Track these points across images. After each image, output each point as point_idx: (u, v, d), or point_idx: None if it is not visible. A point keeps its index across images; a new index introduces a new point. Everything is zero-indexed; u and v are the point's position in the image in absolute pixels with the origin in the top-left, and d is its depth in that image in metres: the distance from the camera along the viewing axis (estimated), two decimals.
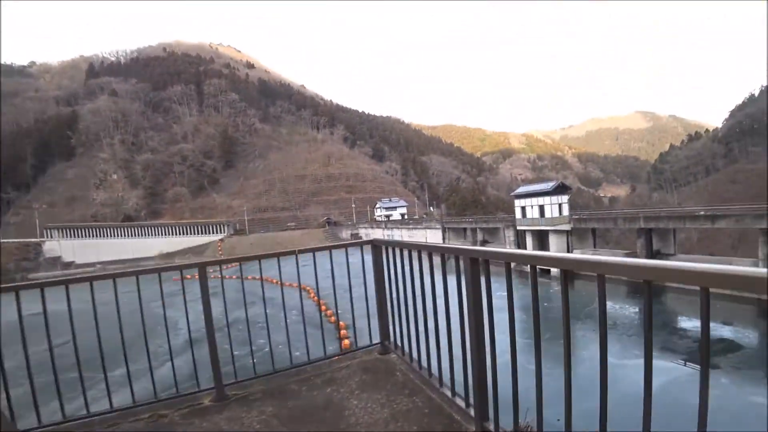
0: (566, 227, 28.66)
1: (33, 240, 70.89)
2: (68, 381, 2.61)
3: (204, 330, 2.84)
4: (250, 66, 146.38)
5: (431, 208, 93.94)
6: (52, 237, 71.45)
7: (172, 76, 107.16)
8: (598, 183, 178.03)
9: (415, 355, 2.69)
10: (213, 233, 74.75)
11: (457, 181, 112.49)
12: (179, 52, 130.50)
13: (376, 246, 3.20)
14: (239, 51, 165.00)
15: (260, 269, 3.08)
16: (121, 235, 72.11)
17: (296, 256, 3.37)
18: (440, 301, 2.21)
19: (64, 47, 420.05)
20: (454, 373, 2.20)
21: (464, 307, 1.94)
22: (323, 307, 17.00)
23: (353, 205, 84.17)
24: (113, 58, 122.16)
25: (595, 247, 28.95)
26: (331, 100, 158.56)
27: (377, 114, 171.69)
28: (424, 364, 2.54)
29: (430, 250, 2.38)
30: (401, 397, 2.52)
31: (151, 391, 2.80)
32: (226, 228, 76.05)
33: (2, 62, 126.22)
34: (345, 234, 74.92)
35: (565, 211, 29.09)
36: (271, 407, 2.58)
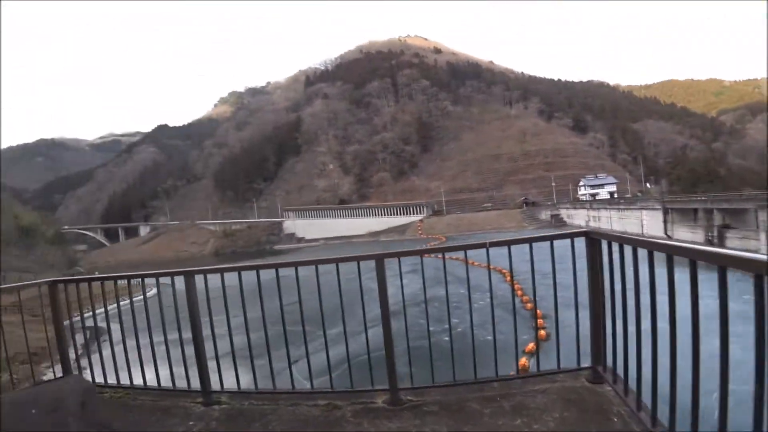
0: None
1: (276, 220, 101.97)
2: (259, 354, 3.20)
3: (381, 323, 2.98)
4: (438, 51, 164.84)
5: (648, 185, 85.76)
6: (288, 217, 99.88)
7: (370, 73, 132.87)
8: None
9: (644, 395, 2.28)
10: (413, 214, 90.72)
11: (683, 150, 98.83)
12: (373, 51, 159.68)
13: (592, 239, 2.83)
14: (426, 39, 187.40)
15: (465, 257, 3.20)
16: (338, 216, 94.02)
17: (487, 249, 3.08)
18: (683, 324, 1.83)
19: (288, 66, 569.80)
20: None
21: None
22: (525, 301, 17.84)
23: (553, 184, 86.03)
24: (322, 68, 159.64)
25: None
26: (522, 73, 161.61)
27: (576, 80, 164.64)
28: (659, 412, 2.12)
29: (684, 254, 1.82)
30: None
31: (327, 380, 3.13)
32: (425, 209, 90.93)
33: (248, 86, 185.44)
34: (544, 215, 77.13)
35: None
36: (446, 427, 2.56)
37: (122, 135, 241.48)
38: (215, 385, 3.41)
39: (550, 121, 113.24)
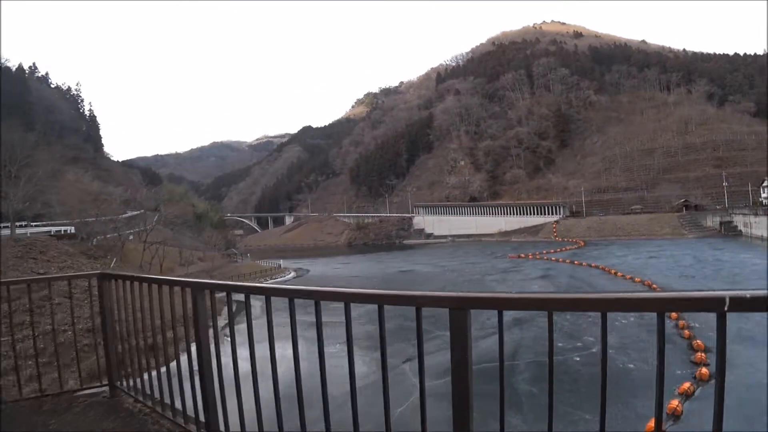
0: None
1: (407, 215, 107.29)
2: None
3: None
4: (578, 35, 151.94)
5: None
6: (418, 213, 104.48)
7: (503, 65, 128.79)
8: None
9: None
10: (548, 214, 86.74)
11: None
12: (506, 42, 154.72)
13: None
14: (563, 23, 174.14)
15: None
16: (468, 213, 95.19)
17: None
18: None
19: (420, 64, 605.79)
20: None
21: None
22: (681, 326, 17.73)
23: (724, 184, 74.12)
24: (453, 64, 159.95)
25: None
26: (683, 50, 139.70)
27: (758, 52, 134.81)
28: None
29: None
30: None
31: None
32: (561, 209, 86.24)
33: (382, 87, 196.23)
34: (710, 221, 66.76)
35: None
36: None
37: (274, 136, 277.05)
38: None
39: (723, 107, 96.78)
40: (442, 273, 47.81)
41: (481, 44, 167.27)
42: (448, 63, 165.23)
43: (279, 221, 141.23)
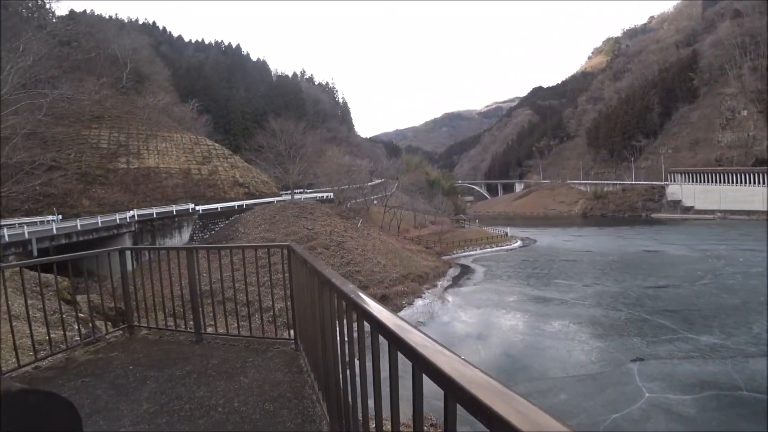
0: None
1: (658, 183, 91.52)
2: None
3: None
4: None
5: None
6: (674, 181, 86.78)
7: None
8: None
9: None
10: None
11: None
12: None
13: None
14: None
15: None
16: (750, 182, 75.10)
17: None
18: None
19: None
20: None
21: None
22: None
23: None
24: None
25: None
26: None
27: None
28: None
29: None
30: None
31: None
32: None
33: (625, 28, 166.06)
34: None
35: None
36: None
37: (503, 102, 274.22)
38: None
39: None
40: (703, 259, 39.06)
41: None
42: None
43: (509, 188, 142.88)
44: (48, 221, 27.29)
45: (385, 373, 1.45)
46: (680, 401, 15.20)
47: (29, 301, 4.82)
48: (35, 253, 21.62)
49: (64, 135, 42.78)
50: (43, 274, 6.89)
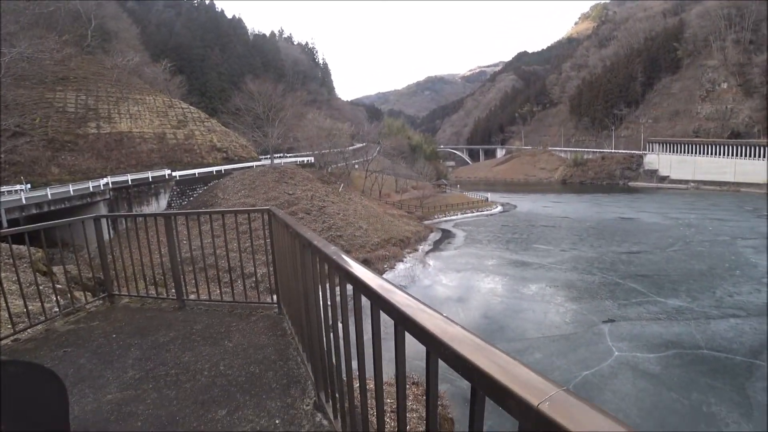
0: None
1: (637, 152, 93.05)
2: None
3: None
4: None
5: None
6: (653, 150, 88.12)
7: None
8: None
9: None
10: None
11: None
12: None
13: None
14: None
15: None
16: (724, 154, 76.33)
17: None
18: None
19: None
20: None
21: None
22: None
23: None
24: None
25: None
26: None
27: None
28: None
29: None
30: None
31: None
32: None
33: None
34: None
35: None
36: None
37: (487, 66, 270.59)
38: None
39: None
40: (674, 227, 40.88)
41: None
42: None
43: (490, 154, 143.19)
44: (16, 191, 26.20)
45: (367, 335, 1.53)
46: (646, 359, 16.37)
47: (2, 274, 4.76)
48: (5, 224, 20.94)
49: (26, 98, 40.39)
50: (15, 246, 6.74)
